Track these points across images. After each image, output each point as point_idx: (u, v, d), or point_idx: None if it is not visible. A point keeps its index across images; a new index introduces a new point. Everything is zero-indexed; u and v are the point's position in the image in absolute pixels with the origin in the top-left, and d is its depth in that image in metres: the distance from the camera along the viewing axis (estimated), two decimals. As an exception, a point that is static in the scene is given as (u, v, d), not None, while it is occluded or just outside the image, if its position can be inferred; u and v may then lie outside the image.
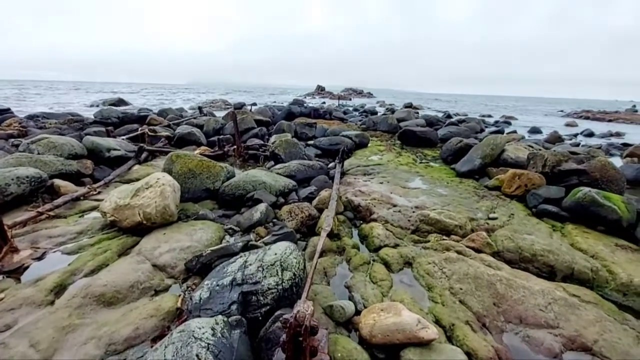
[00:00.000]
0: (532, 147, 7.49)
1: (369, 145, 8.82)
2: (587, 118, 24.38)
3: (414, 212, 3.92)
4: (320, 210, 3.95)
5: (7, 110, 13.03)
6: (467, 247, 3.16)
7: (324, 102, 31.87)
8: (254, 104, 21.85)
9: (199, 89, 66.80)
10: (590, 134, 14.52)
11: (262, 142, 7.87)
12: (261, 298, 2.03)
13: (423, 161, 7.31)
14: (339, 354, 1.86)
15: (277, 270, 2.18)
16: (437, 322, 2.25)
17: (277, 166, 5.45)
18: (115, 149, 6.43)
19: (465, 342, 2.03)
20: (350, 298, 2.47)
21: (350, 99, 46.08)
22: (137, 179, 5.03)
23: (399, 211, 3.95)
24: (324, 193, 4.25)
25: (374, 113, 18.70)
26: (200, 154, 5.97)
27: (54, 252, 3.02)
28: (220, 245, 2.94)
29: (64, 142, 5.88)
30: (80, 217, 3.81)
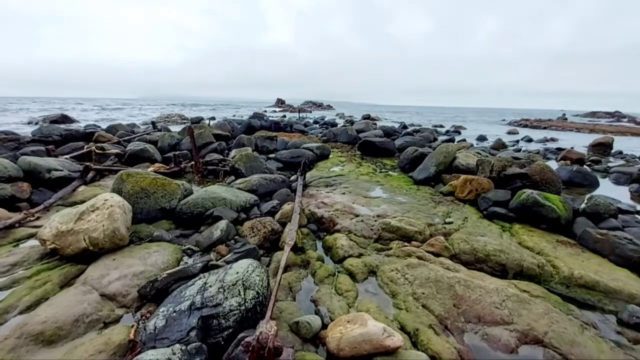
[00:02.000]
0: (480, 153, 8.07)
1: (330, 156, 8.96)
2: (526, 126, 26.87)
3: (376, 220, 4.00)
4: (283, 224, 3.90)
5: None
6: (427, 252, 3.29)
7: (284, 115, 32.00)
8: (213, 118, 21.31)
9: (153, 104, 63.87)
10: (530, 140, 16.02)
11: (221, 157, 7.66)
12: (223, 321, 1.93)
13: (382, 170, 7.55)
14: (307, 372, 1.82)
15: (239, 290, 2.09)
16: (402, 328, 2.29)
17: (238, 181, 5.33)
18: (56, 169, 5.89)
19: (429, 346, 2.09)
20: (317, 312, 2.44)
21: (311, 112, 46.76)
22: (83, 201, 4.63)
23: (362, 221, 4.02)
24: (286, 207, 4.21)
25: (334, 125, 19.09)
26: (155, 171, 5.66)
27: (-18, 288, 2.65)
28: (177, 268, 2.77)
29: (-6, 163, 5.28)
30: (14, 246, 3.41)
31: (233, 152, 7.85)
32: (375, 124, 20.17)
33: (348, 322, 2.06)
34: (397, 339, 1.87)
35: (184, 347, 1.65)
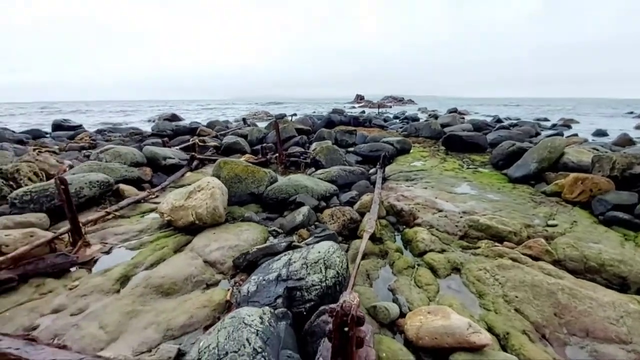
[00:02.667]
0: (597, 149, 6.81)
1: (411, 151, 8.63)
2: (664, 119, 21.58)
3: (461, 217, 3.74)
4: (362, 214, 3.93)
5: (80, 126, 14.76)
6: (523, 254, 2.94)
7: (363, 111, 31.84)
8: (295, 114, 22.44)
9: (243, 103, 70.25)
10: (669, 137, 12.82)
11: (303, 150, 8.04)
12: (305, 294, 2.07)
13: (470, 167, 6.96)
14: (384, 354, 1.82)
15: (320, 268, 2.21)
16: (490, 329, 2.11)
17: (318, 172, 5.54)
18: (170, 158, 6.98)
19: (522, 351, 1.89)
20: (394, 300, 2.41)
21: (391, 107, 45.49)
22: (189, 185, 5.41)
23: (445, 216, 3.80)
24: (365, 197, 4.23)
25: (416, 120, 18.26)
26: (246, 161, 6.26)
27: (119, 247, 3.34)
28: (265, 244, 3.05)
29: (127, 151, 6.51)
30: (141, 217, 4.18)
31: (314, 145, 8.16)
32: (464, 118, 18.63)
33: (429, 312, 2.00)
34: (484, 336, 1.74)
35: (272, 310, 1.82)
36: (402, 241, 3.56)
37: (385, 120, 17.87)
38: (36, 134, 12.33)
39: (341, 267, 2.29)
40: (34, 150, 7.66)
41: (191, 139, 9.82)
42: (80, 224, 3.32)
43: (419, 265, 2.99)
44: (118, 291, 2.57)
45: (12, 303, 2.42)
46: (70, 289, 2.58)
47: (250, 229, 3.63)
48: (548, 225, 3.55)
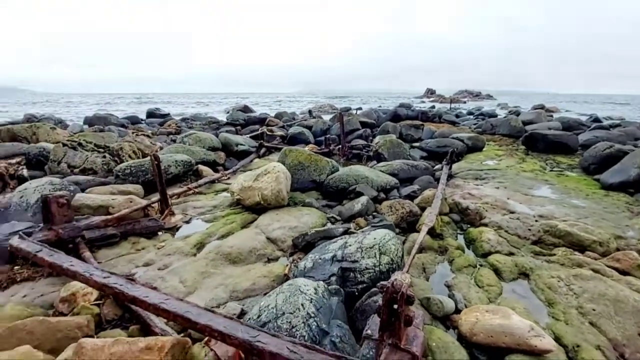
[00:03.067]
0: None
1: (484, 149, 8.02)
2: None
3: (536, 221, 3.41)
4: (423, 209, 3.82)
5: (168, 115, 16.75)
6: (608, 266, 2.59)
7: (433, 106, 30.21)
8: (360, 108, 22.29)
9: (310, 96, 71.94)
10: None
11: (365, 143, 8.01)
12: (358, 276, 2.13)
13: (555, 169, 6.24)
14: (434, 344, 1.81)
15: (375, 253, 2.25)
16: (557, 339, 1.94)
17: (380, 164, 5.49)
18: (241, 144, 7.57)
19: (594, 367, 1.70)
20: (450, 296, 2.34)
21: (465, 102, 42.37)
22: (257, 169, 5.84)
23: (517, 218, 3.50)
24: (427, 192, 4.10)
25: (493, 116, 16.75)
26: (310, 151, 6.49)
27: (197, 218, 3.79)
28: (323, 228, 3.18)
29: (206, 137, 7.24)
30: (215, 195, 4.65)
31: (377, 138, 8.07)
32: (552, 115, 16.57)
33: (487, 311, 1.91)
34: (547, 341, 1.62)
35: (326, 286, 1.93)
36: (465, 240, 3.39)
37: (457, 116, 16.76)
38: (134, 120, 14.36)
39: (396, 255, 2.30)
40: (133, 133, 8.94)
41: (260, 129, 10.48)
42: (168, 196, 3.84)
43: (481, 265, 2.83)
44: (195, 254, 2.94)
45: (115, 254, 2.94)
46: (158, 248, 3.03)
47: (310, 214, 3.80)
48: (647, 239, 3.05)
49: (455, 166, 6.22)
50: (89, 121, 12.56)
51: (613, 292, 2.21)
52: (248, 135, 9.39)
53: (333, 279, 2.11)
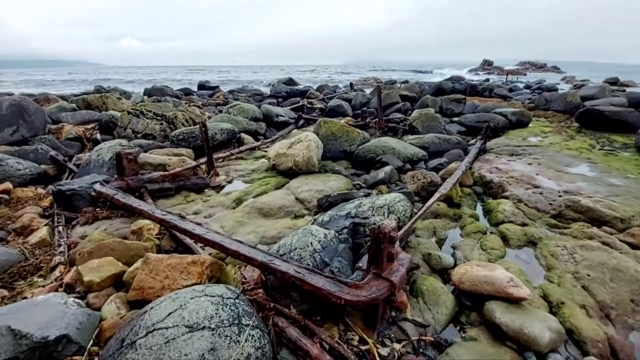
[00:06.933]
0: None
1: (530, 125, 7.61)
2: None
3: (560, 196, 3.41)
4: (445, 180, 3.96)
5: (217, 87, 17.68)
6: (622, 240, 2.62)
7: (487, 79, 28.06)
8: (406, 82, 21.52)
9: (355, 69, 70.03)
10: None
11: (403, 117, 7.99)
12: (367, 230, 2.45)
13: (605, 148, 5.84)
14: (425, 287, 2.10)
15: (384, 212, 2.54)
16: (544, 297, 2.12)
17: (411, 137, 5.59)
18: (281, 115, 7.98)
19: (570, 319, 1.89)
20: (452, 255, 2.58)
21: (525, 74, 38.61)
22: (294, 139, 6.24)
23: (540, 193, 3.52)
24: (453, 165, 4.19)
25: (552, 90, 15.32)
26: (345, 123, 6.71)
27: (237, 180, 4.32)
28: (345, 191, 3.50)
29: (249, 108, 7.74)
30: (254, 160, 5.16)
31: (415, 112, 8.00)
32: (624, 90, 14.73)
33: (477, 265, 2.14)
34: (523, 290, 1.83)
35: (336, 234, 2.28)
36: (483, 211, 3.52)
37: (510, 90, 15.59)
38: (187, 92, 15.42)
39: (403, 214, 2.57)
40: (185, 103, 9.76)
41: (301, 101, 10.79)
42: (213, 159, 4.39)
43: (491, 233, 2.99)
44: (234, 208, 3.46)
45: (170, 205, 3.55)
46: (204, 201, 3.60)
47: (337, 180, 4.13)
48: (679, 220, 2.95)
49: (493, 142, 6.09)
50: (149, 92, 13.79)
51: (614, 262, 2.29)
52: (289, 107, 9.78)
53: (345, 230, 2.45)
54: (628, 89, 15.70)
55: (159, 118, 6.20)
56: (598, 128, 7.10)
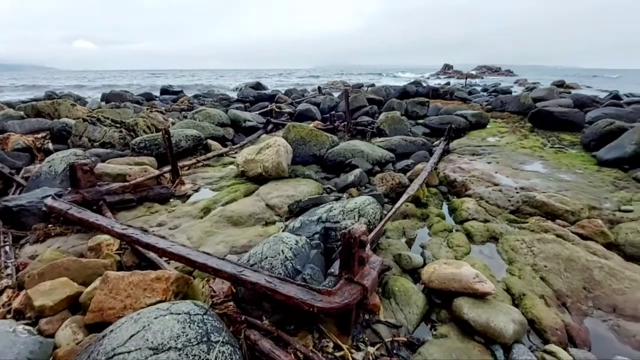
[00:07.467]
0: None
1: (488, 126, 8.06)
2: None
3: (517, 192, 3.63)
4: (412, 181, 4.07)
5: (181, 92, 17.10)
6: (573, 232, 2.83)
7: (448, 83, 29.42)
8: (372, 85, 22.01)
9: (324, 72, 70.74)
10: None
11: (371, 120, 8.16)
12: (338, 234, 2.45)
13: (555, 146, 6.30)
14: (396, 288, 2.14)
15: (355, 215, 2.56)
16: (507, 290, 2.24)
17: (379, 139, 5.71)
18: (249, 120, 7.86)
19: (531, 310, 2.00)
20: (422, 254, 2.65)
21: (482, 78, 40.95)
22: (263, 144, 6.15)
23: (500, 190, 3.72)
24: (419, 166, 4.33)
25: (507, 92, 16.35)
26: (314, 127, 6.73)
27: (205, 187, 4.17)
28: (316, 195, 3.49)
29: (215, 113, 7.55)
30: (222, 167, 5.02)
31: (382, 115, 8.20)
32: (569, 92, 16.05)
33: (445, 263, 2.21)
34: (487, 285, 1.91)
35: (307, 240, 2.26)
36: (448, 209, 3.66)
37: (470, 93, 16.44)
38: (148, 97, 14.76)
39: (373, 217, 2.60)
40: (147, 109, 9.33)
41: (269, 105, 10.70)
42: (178, 167, 4.22)
43: (457, 230, 3.12)
44: (201, 217, 3.33)
45: (132, 216, 3.35)
46: (169, 212, 3.44)
47: (307, 184, 4.11)
48: (620, 210, 3.24)
49: (455, 142, 6.37)
50: (106, 98, 13.04)
51: (567, 253, 2.46)
52: (257, 112, 9.65)
53: (316, 236, 2.44)
54: (573, 91, 17.13)
55: (118, 125, 5.87)
56: (548, 127, 7.66)
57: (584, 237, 2.77)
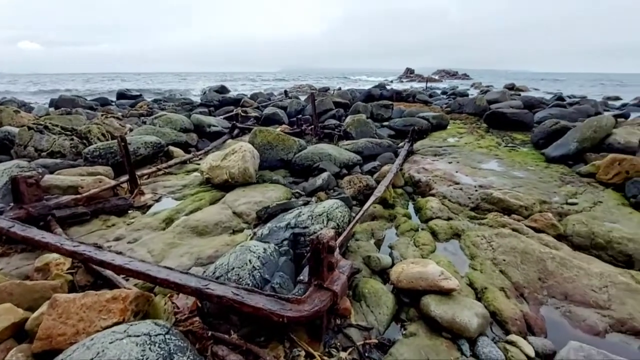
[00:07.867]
0: (657, 131, 6.16)
1: (448, 127, 8.44)
2: None
3: (476, 190, 3.82)
4: (379, 182, 4.16)
5: (140, 96, 16.28)
6: (527, 226, 3.03)
7: (410, 86, 30.53)
8: (339, 89, 22.32)
9: (290, 76, 70.63)
10: None
11: (338, 123, 8.24)
12: (307, 239, 2.43)
13: (509, 145, 6.72)
14: (366, 290, 2.16)
15: (323, 219, 2.55)
16: (470, 284, 2.34)
17: (346, 142, 5.78)
18: (214, 125, 7.64)
19: (492, 302, 2.10)
20: (390, 255, 2.70)
21: (442, 81, 42.97)
22: (229, 149, 5.98)
23: (460, 189, 3.90)
24: (385, 167, 4.43)
25: (464, 95, 17.28)
26: (281, 131, 6.68)
27: (167, 197, 3.98)
28: (284, 201, 3.45)
29: (177, 118, 7.25)
30: (186, 174, 4.82)
31: (348, 118, 8.32)
32: (519, 94, 17.24)
33: (412, 263, 2.26)
34: (452, 282, 1.98)
35: (276, 247, 2.22)
36: (414, 209, 3.77)
37: (430, 96, 17.17)
38: (103, 102, 13.92)
39: (342, 220, 2.61)
40: (102, 115, 8.77)
41: (235, 110, 10.47)
42: (137, 176, 3.99)
43: (422, 229, 3.21)
44: (163, 229, 3.16)
45: (86, 231, 3.11)
46: (128, 224, 3.23)
47: (275, 190, 4.06)
48: (567, 204, 3.51)
49: (419, 144, 6.60)
50: (56, 104, 12.10)
51: (522, 246, 2.62)
52: (222, 117, 9.40)
53: (285, 242, 2.41)
54: (523, 93, 18.43)
55: (69, 133, 5.46)
56: (502, 127, 8.18)
57: (537, 230, 2.97)
